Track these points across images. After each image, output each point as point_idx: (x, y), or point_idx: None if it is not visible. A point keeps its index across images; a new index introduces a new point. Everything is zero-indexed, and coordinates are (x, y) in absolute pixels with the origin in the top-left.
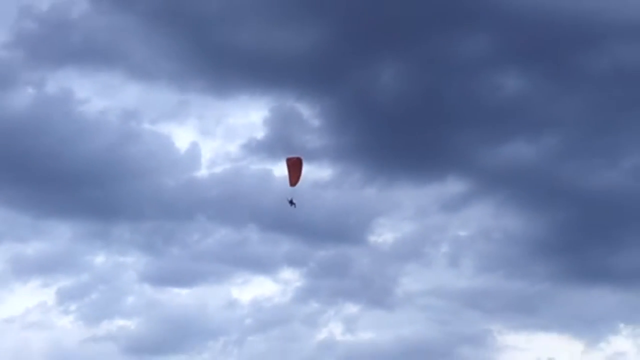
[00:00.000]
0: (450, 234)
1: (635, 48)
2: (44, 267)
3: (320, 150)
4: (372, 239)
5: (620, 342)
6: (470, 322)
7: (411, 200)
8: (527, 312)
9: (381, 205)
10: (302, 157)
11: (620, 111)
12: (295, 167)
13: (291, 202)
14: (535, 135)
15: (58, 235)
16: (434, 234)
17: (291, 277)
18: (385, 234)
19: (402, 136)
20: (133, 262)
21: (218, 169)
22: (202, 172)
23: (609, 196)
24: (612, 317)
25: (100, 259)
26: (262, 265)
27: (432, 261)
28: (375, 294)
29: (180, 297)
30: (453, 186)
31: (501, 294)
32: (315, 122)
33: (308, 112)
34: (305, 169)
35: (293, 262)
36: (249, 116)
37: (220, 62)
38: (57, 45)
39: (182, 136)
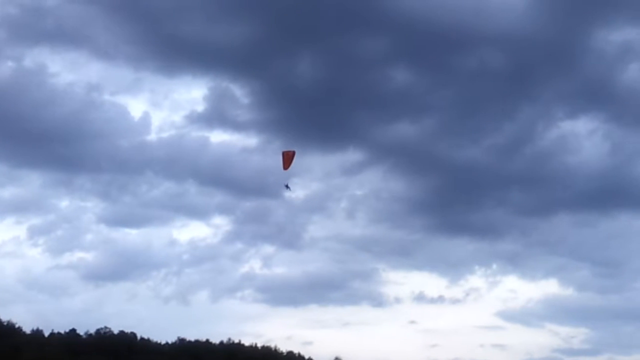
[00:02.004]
0: (348, 193)
1: (496, 51)
2: (17, 208)
3: (249, 122)
4: (287, 194)
5: (475, 280)
6: (362, 262)
7: (319, 165)
8: (405, 255)
9: (295, 168)
10: (295, 151)
11: (483, 101)
12: (288, 157)
13: (287, 186)
14: (416, 117)
15: (30, 182)
16: (335, 193)
17: (221, 223)
18: (297, 191)
19: (313, 114)
20: (92, 206)
21: (165, 135)
22: (152, 137)
23: (471, 168)
24: (469, 261)
25: (64, 203)
26: (198, 213)
27: (334, 214)
28: (288, 238)
29: (130, 236)
30: (352, 155)
31: (386, 241)
32: (246, 100)
33: (240, 92)
34: (235, 137)
35: (223, 210)
36: (191, 93)
37: (169, 47)
38: (34, 28)
39: (136, 107)
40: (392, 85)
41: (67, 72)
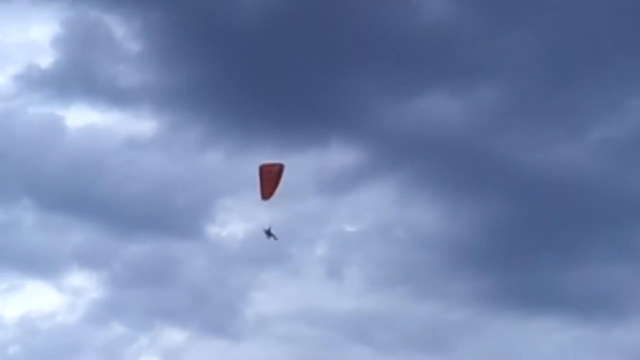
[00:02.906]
0: (331, 227)
1: None
2: None
3: (139, 90)
4: (213, 230)
5: None
6: None
7: None
8: (437, 352)
9: (229, 180)
10: (284, 164)
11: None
12: (270, 176)
13: (269, 233)
14: (463, 85)
15: None
16: (306, 227)
17: (84, 284)
18: (231, 224)
19: (265, 77)
20: None
21: None
22: None
23: (567, 181)
24: None
25: None
26: (39, 264)
27: (302, 268)
28: (213, 315)
29: None
30: (339, 156)
31: (400, 322)
32: (133, 47)
33: (122, 30)
34: (117, 116)
35: (87, 260)
36: (29, 31)
37: None
38: None
39: None
40: (416, 23)
41: None
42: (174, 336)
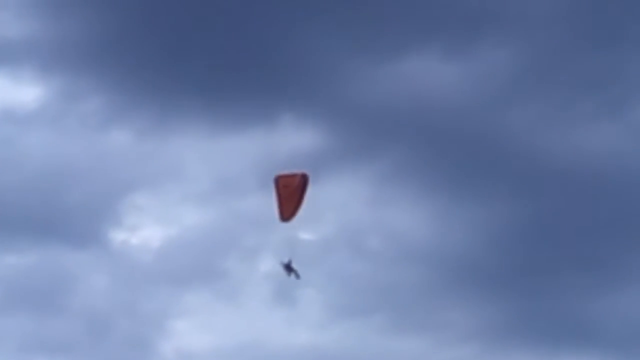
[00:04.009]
0: (281, 234)
1: None
2: None
3: (20, 45)
4: (119, 236)
5: None
6: None
7: (205, 162)
8: None
9: (141, 168)
10: (307, 174)
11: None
12: (289, 191)
13: (289, 268)
14: (458, 44)
15: None
16: (247, 233)
17: None
18: (144, 229)
19: (192, 31)
20: None
21: None
22: None
23: (601, 170)
24: None
25: None
26: None
27: (241, 289)
28: (118, 350)
29: None
30: (291, 139)
31: None
32: None
33: None
34: None
35: None
36: None
37: None
38: None
39: None
40: None
41: None
42: None
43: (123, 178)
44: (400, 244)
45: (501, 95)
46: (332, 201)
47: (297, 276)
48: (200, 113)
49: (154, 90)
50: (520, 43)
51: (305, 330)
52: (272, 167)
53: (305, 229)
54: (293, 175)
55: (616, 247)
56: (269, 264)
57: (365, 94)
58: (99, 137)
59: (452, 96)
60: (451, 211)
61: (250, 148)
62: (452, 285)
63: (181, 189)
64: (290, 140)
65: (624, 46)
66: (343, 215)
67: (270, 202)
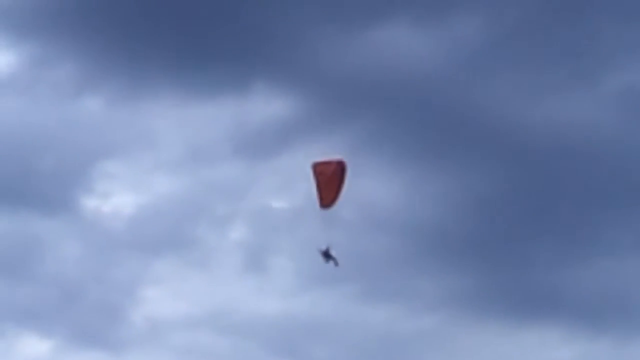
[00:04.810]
0: (251, 202)
1: None
2: None
3: None
4: (90, 204)
5: None
6: None
7: (182, 130)
8: None
9: (112, 135)
10: (344, 161)
11: None
12: (326, 179)
13: (327, 255)
14: (430, 12)
15: None
16: (218, 201)
17: None
18: (116, 196)
19: None
20: None
21: None
22: None
23: (573, 141)
24: None
25: None
26: None
27: (212, 257)
28: (88, 318)
29: None
30: (263, 107)
31: (346, 331)
32: None
33: None
34: None
35: None
36: None
37: None
38: None
39: None
40: None
41: None
42: (33, 346)
43: (95, 145)
44: (372, 213)
45: (472, 64)
46: (303, 170)
47: (336, 263)
48: (173, 81)
49: (126, 58)
50: (491, 12)
51: (276, 298)
52: (244, 135)
53: (277, 196)
54: (328, 163)
55: (586, 218)
56: (240, 232)
57: (337, 62)
58: (71, 104)
59: (423, 65)
60: (422, 181)
61: (222, 116)
62: (423, 254)
63: (153, 156)
64: (262, 109)
65: (597, 16)
66: (314, 184)
67: (242, 170)
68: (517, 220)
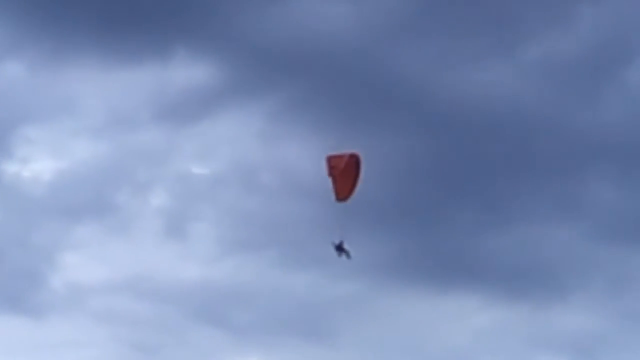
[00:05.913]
0: (172, 168)
1: None
2: None
3: None
4: (10, 169)
5: None
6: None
7: (103, 96)
8: (315, 335)
9: (33, 101)
10: (357, 154)
11: None
12: (341, 172)
13: (340, 249)
14: None
15: None
16: (139, 167)
17: None
18: (36, 161)
19: None
20: None
21: None
22: None
23: (494, 109)
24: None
25: None
26: None
27: (132, 222)
28: (8, 284)
29: None
30: (184, 72)
31: (266, 298)
32: None
33: None
34: None
35: None
36: None
37: None
38: None
39: None
40: None
41: None
42: None
43: (15, 110)
44: (292, 180)
45: (393, 33)
46: (224, 136)
47: (348, 256)
48: (94, 46)
49: (48, 23)
50: None
51: (196, 264)
52: (165, 101)
53: (198, 162)
54: (341, 156)
55: (504, 187)
56: (160, 199)
57: (258, 30)
58: None
59: (344, 34)
60: (342, 147)
61: (143, 82)
62: (344, 221)
63: (74, 122)
64: (184, 75)
65: None
66: (235, 151)
67: (163, 136)
68: (436, 188)
